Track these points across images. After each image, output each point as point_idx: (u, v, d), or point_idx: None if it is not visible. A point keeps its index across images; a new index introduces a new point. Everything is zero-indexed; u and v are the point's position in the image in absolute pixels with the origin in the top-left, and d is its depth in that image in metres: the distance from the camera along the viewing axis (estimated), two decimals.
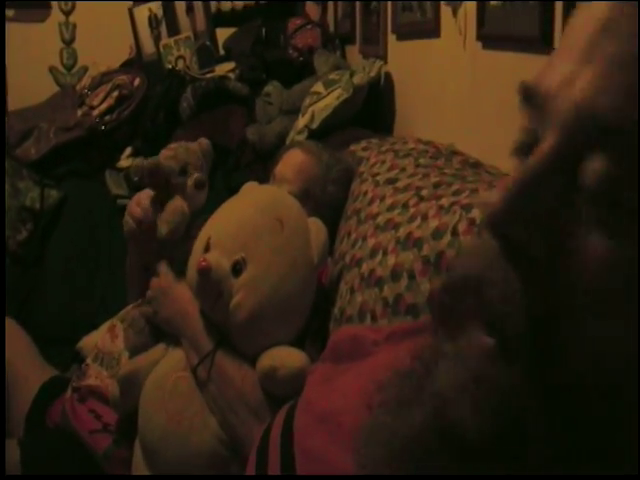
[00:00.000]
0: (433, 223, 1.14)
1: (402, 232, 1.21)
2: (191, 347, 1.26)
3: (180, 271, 1.34)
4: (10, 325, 1.79)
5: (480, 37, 1.58)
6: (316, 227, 1.33)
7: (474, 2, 1.57)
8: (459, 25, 1.70)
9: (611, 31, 0.39)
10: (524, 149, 0.43)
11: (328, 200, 1.64)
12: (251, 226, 1.28)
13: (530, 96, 0.42)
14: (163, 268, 1.39)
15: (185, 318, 1.29)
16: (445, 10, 1.78)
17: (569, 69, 0.40)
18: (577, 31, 0.42)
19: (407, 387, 0.48)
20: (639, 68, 0.37)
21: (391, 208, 1.32)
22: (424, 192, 1.27)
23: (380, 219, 1.32)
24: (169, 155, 1.42)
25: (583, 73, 0.39)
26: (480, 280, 0.43)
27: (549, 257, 0.40)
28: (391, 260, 1.18)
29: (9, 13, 3.17)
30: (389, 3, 2.23)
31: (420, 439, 0.44)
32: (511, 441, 0.41)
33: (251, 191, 1.44)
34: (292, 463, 0.61)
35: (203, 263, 1.21)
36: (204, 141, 1.49)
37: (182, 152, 1.44)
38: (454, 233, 1.06)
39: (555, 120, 0.40)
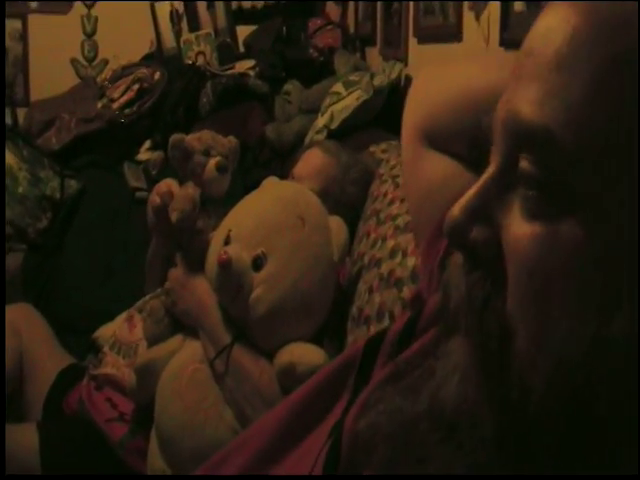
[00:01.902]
0: None
1: None
2: (208, 340, 1.27)
3: (199, 263, 1.35)
4: (29, 311, 1.81)
5: (503, 42, 1.58)
6: (337, 225, 1.34)
7: (498, 6, 1.57)
8: (482, 29, 1.71)
9: (532, 53, 0.46)
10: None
11: (346, 200, 1.65)
12: (272, 221, 1.28)
13: (487, 128, 0.50)
14: (182, 260, 1.40)
15: (203, 310, 1.30)
16: (468, 14, 1.78)
17: (506, 96, 0.47)
18: (516, 59, 0.48)
19: (414, 376, 0.53)
20: (552, 77, 0.43)
21: None
22: None
23: (400, 220, 1.33)
24: (195, 136, 1.46)
25: (512, 95, 0.46)
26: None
27: (496, 253, 0.46)
28: (411, 262, 1.19)
29: (32, 5, 3.19)
30: (411, 6, 2.24)
31: (417, 421, 0.50)
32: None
33: (272, 187, 1.45)
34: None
35: (224, 256, 1.21)
36: (233, 139, 1.52)
37: (208, 137, 1.46)
38: None
39: (496, 141, 0.48)
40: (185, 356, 1.30)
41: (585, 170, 0.41)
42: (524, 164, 0.44)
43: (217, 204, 1.46)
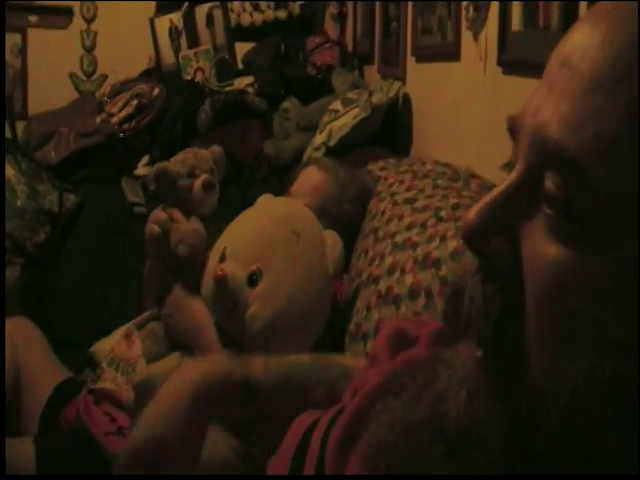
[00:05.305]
0: (452, 244, 1.16)
1: (420, 252, 1.23)
2: None
3: (195, 286, 1.35)
4: (26, 324, 1.81)
5: (501, 62, 1.59)
6: (332, 239, 1.34)
7: (495, 26, 1.59)
8: (480, 49, 1.72)
9: (568, 65, 0.42)
10: (510, 168, 0.47)
11: (343, 218, 1.65)
12: (267, 238, 1.30)
13: (511, 126, 0.47)
14: (177, 285, 1.40)
15: (199, 330, 1.31)
16: (466, 34, 1.80)
17: (536, 101, 0.44)
18: (550, 63, 0.45)
19: (416, 382, 0.51)
20: (588, 98, 0.41)
21: (409, 227, 1.33)
22: (443, 213, 1.29)
23: (398, 238, 1.34)
24: (177, 160, 1.44)
25: (544, 105, 0.43)
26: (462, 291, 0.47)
27: (514, 267, 0.44)
28: (409, 279, 1.20)
29: (32, 19, 3.22)
30: (409, 25, 2.26)
31: (418, 430, 0.48)
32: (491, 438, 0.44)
33: (267, 203, 1.46)
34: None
35: (220, 272, 1.23)
36: (217, 148, 1.50)
37: (190, 157, 1.44)
38: None
39: (521, 147, 0.45)
40: None
41: (612, 202, 0.39)
42: (548, 183, 0.42)
43: (209, 221, 1.45)
